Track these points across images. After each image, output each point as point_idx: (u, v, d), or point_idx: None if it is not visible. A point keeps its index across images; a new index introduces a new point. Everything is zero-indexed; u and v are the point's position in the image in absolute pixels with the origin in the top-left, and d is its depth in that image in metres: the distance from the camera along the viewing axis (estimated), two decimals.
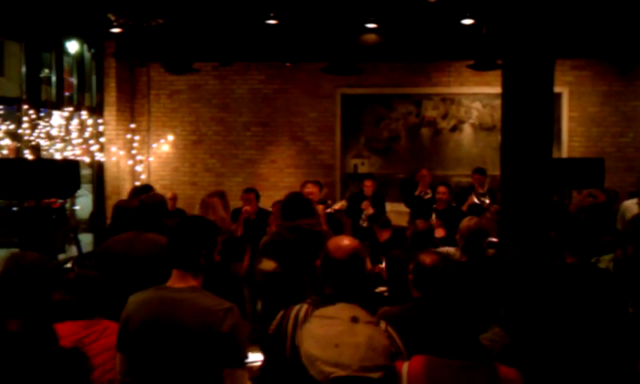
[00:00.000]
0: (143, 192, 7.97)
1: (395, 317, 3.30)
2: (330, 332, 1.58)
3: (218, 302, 2.95)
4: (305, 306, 2.93)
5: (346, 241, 2.94)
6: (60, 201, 9.27)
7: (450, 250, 5.50)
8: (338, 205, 8.92)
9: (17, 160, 8.56)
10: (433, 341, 2.41)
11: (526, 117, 4.48)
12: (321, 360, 1.54)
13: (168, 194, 10.36)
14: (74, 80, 10.92)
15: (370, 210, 9.44)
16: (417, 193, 9.41)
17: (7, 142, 9.36)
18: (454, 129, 11.47)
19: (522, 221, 4.68)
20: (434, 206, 8.76)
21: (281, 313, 2.96)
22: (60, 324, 3.53)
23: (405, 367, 2.42)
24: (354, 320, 1.62)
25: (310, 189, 8.40)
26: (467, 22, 8.76)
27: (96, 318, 3.60)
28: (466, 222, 5.71)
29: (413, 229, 5.33)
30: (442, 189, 8.80)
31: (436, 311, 2.53)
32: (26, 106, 9.35)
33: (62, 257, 9.31)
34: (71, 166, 6.70)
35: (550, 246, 3.73)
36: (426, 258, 3.50)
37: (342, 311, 1.67)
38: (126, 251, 4.97)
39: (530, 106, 4.44)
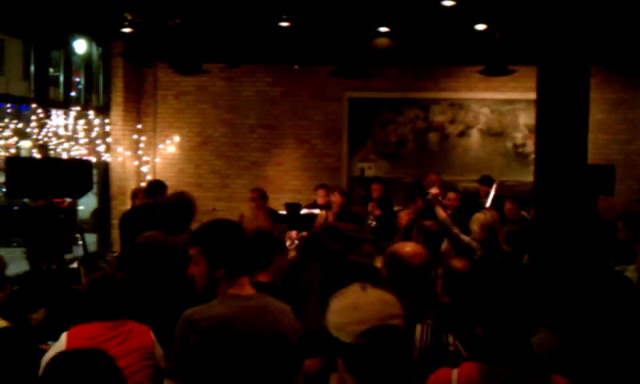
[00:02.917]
0: (157, 188, 7.99)
1: None
2: (347, 301, 1.96)
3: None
4: None
5: (415, 247, 2.92)
6: (68, 200, 9.23)
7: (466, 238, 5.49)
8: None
9: (30, 159, 8.51)
10: (482, 348, 2.37)
11: (562, 123, 4.46)
12: (347, 323, 1.92)
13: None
14: (81, 79, 10.87)
15: (377, 212, 9.43)
16: (429, 197, 9.36)
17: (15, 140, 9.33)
18: (462, 134, 11.44)
19: (558, 226, 4.65)
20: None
21: None
22: (85, 325, 3.50)
23: (454, 373, 2.38)
24: (363, 288, 2.01)
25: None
26: (480, 27, 8.72)
27: (121, 319, 3.56)
28: (483, 216, 5.70)
29: (424, 231, 5.27)
30: (452, 195, 8.76)
31: (478, 317, 2.47)
32: (34, 105, 9.31)
33: (68, 257, 9.25)
34: (84, 166, 6.68)
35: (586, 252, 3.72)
36: (458, 263, 3.46)
37: (352, 287, 2.04)
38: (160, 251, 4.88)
39: (566, 112, 4.42)
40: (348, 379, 1.94)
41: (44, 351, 3.72)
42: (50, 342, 4.73)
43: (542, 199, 4.81)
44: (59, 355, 2.21)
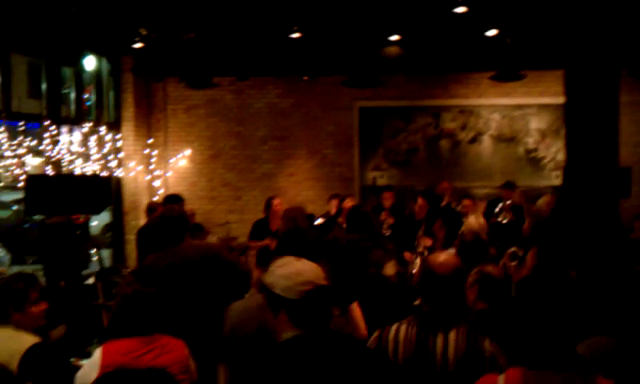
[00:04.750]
0: (173, 201, 7.98)
1: None
2: (291, 269, 2.60)
3: None
4: (404, 326, 3.04)
5: (447, 257, 2.94)
6: (82, 217, 9.24)
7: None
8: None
9: (50, 176, 8.52)
10: (527, 352, 2.36)
11: (592, 125, 4.45)
12: (295, 284, 2.54)
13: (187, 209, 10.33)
14: (92, 96, 10.90)
15: (391, 220, 9.41)
16: (443, 204, 9.35)
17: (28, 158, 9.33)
18: (473, 140, 11.44)
19: (589, 229, 4.64)
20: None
21: (376, 333, 2.99)
22: (119, 341, 3.49)
23: (501, 380, 2.37)
24: (298, 259, 2.66)
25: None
26: (490, 33, 8.72)
27: (154, 334, 3.54)
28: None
29: (461, 238, 5.20)
30: (466, 201, 8.74)
31: (520, 322, 2.46)
32: (45, 123, 9.32)
33: (83, 273, 9.24)
34: (102, 182, 6.71)
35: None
36: (493, 270, 3.45)
37: (288, 258, 2.69)
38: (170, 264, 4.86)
39: (596, 115, 4.42)
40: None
41: (77, 367, 3.72)
42: (73, 359, 4.73)
43: (572, 202, 4.79)
44: (115, 374, 2.20)
